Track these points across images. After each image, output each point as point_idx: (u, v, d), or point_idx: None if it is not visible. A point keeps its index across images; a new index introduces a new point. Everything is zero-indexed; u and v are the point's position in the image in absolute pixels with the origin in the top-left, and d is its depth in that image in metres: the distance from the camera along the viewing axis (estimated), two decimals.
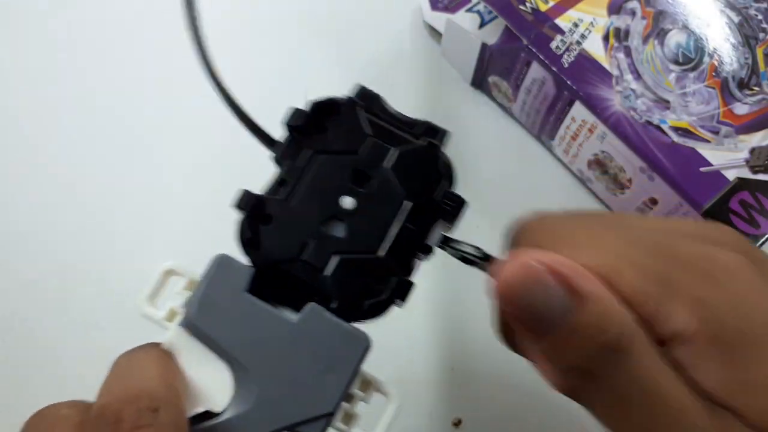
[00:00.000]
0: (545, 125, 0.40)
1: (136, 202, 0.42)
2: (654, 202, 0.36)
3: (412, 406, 0.37)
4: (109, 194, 0.42)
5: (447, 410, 0.37)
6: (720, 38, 0.36)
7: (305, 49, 0.46)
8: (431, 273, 0.39)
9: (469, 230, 0.40)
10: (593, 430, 0.36)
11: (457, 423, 0.36)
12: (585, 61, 0.36)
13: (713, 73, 0.36)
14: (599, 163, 0.38)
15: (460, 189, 0.39)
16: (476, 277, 0.39)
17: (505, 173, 0.42)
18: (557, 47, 0.37)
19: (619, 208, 0.39)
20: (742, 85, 0.36)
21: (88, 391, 0.38)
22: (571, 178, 0.42)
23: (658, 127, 0.35)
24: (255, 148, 0.44)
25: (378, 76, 0.45)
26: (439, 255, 0.41)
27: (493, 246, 0.43)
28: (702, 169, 0.34)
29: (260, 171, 0.42)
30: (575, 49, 0.36)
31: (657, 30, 0.37)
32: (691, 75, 0.36)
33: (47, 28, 0.47)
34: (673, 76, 0.36)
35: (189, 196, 0.42)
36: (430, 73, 0.45)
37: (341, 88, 0.45)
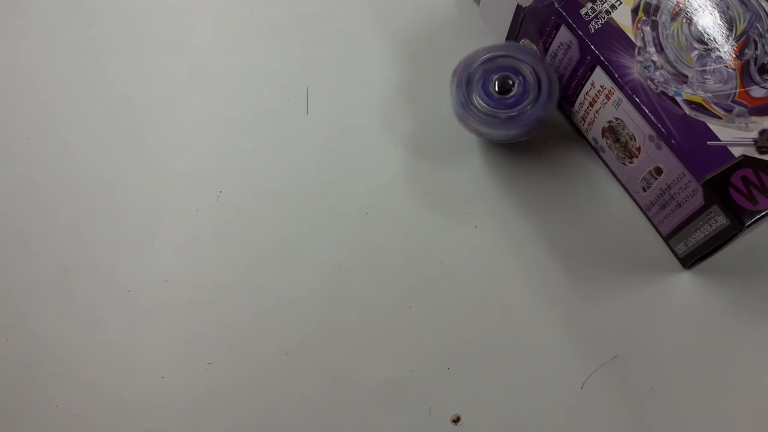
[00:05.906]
0: (567, 91, 0.41)
1: (138, 202, 0.43)
2: (659, 171, 0.37)
3: (411, 403, 0.37)
4: (111, 193, 0.43)
5: (446, 407, 0.37)
6: (747, 24, 0.37)
7: (349, 11, 0.48)
8: (429, 272, 0.40)
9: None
10: (592, 427, 0.36)
11: (456, 420, 0.37)
12: (611, 29, 0.37)
13: (736, 56, 0.36)
14: (612, 131, 0.39)
15: (479, 156, 0.39)
16: (474, 275, 0.40)
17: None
18: (586, 14, 0.38)
19: (626, 179, 0.40)
20: (763, 70, 0.36)
21: (91, 391, 0.40)
22: (585, 147, 0.43)
23: (673, 99, 0.36)
24: (256, 149, 0.46)
25: (420, 37, 0.47)
26: (438, 254, 0.41)
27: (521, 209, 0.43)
28: (709, 142, 0.35)
29: (260, 171, 0.43)
30: (603, 18, 0.38)
31: (687, 9, 0.38)
32: (714, 55, 0.37)
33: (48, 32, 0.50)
34: (695, 53, 0.37)
35: (191, 196, 0.42)
36: (468, 35, 0.46)
37: (388, 56, 0.46)
